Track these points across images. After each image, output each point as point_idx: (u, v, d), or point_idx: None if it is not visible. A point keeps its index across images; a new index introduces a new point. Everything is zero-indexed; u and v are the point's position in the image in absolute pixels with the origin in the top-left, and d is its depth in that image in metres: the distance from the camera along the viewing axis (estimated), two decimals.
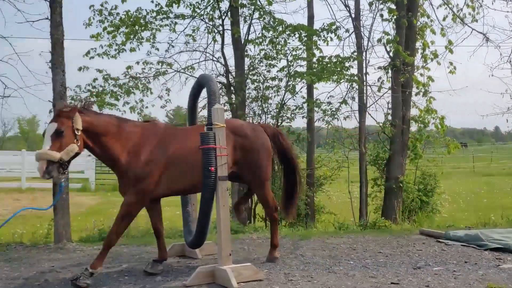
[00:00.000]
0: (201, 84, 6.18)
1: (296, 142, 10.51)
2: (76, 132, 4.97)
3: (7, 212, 12.45)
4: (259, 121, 10.32)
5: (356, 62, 10.35)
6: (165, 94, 10.56)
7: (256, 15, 10.45)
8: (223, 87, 10.32)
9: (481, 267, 5.86)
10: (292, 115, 10.42)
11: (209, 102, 5.53)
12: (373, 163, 11.55)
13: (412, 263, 6.06)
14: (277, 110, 10.34)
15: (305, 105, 10.43)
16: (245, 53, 10.51)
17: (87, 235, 8.09)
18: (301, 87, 10.59)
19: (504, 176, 27.21)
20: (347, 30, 11.01)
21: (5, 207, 13.72)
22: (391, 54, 10.90)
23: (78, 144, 4.98)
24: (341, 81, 10.28)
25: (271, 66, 10.38)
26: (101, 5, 10.14)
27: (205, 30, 10.77)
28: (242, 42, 10.40)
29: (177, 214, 10.35)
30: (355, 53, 10.53)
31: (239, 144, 5.72)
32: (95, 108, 9.65)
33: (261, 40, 10.33)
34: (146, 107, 10.48)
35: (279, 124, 10.39)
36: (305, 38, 10.07)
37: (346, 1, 11.30)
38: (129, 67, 10.23)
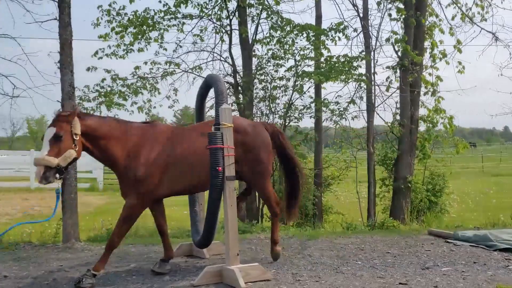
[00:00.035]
0: (208, 84, 6.18)
1: (303, 142, 10.50)
2: (74, 137, 4.97)
3: (16, 212, 12.54)
4: (266, 121, 10.31)
5: (364, 61, 10.33)
6: (172, 94, 10.60)
7: (264, 15, 10.48)
8: (231, 87, 10.32)
9: (490, 267, 5.81)
10: (300, 115, 10.41)
11: (217, 102, 5.53)
12: (381, 163, 11.52)
13: (421, 264, 6.03)
14: (285, 110, 10.33)
15: (312, 105, 10.41)
16: (253, 53, 10.52)
17: (95, 235, 8.12)
18: (309, 87, 10.61)
19: None
20: (355, 30, 10.99)
21: (13, 206, 13.80)
22: (399, 53, 10.85)
23: (76, 149, 4.99)
24: (349, 81, 10.26)
25: (279, 66, 10.38)
26: (109, 5, 10.18)
27: (212, 30, 10.80)
28: (250, 42, 10.40)
29: (184, 213, 10.37)
30: (363, 53, 10.50)
31: (239, 142, 5.66)
32: (102, 108, 9.81)
33: (268, 40, 10.34)
34: (154, 107, 10.52)
35: (286, 124, 10.37)
36: (313, 38, 10.05)
37: (354, 1, 11.26)
38: (137, 67, 10.27)
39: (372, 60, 10.74)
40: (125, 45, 10.27)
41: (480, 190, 19.42)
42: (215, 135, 5.27)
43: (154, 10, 10.21)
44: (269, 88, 10.37)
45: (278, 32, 10.19)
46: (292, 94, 10.33)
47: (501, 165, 35.99)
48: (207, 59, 10.84)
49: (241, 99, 9.92)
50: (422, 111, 11.34)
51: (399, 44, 10.45)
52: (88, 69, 9.97)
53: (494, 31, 11.76)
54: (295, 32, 10.09)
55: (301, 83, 10.25)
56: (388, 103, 11.17)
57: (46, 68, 8.17)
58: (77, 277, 5.27)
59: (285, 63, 10.38)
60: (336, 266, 5.94)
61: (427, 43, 11.57)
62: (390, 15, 11.03)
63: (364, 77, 10.05)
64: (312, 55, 10.21)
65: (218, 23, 10.64)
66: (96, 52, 10.20)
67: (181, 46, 10.74)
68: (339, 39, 10.22)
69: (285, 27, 10.08)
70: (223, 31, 10.64)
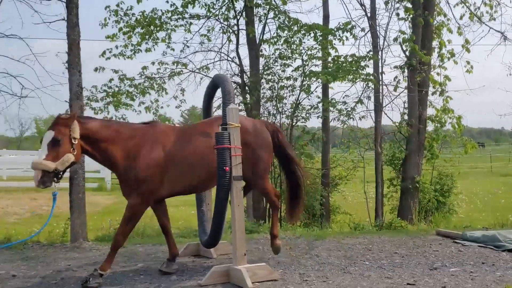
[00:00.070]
0: (215, 84, 6.18)
1: (311, 142, 10.47)
2: (73, 141, 4.96)
3: (24, 212, 12.61)
4: (273, 121, 10.31)
5: (371, 61, 10.31)
6: (180, 94, 10.60)
7: (271, 14, 10.46)
8: (238, 87, 10.32)
9: (498, 268, 5.78)
10: (307, 114, 10.39)
11: (224, 102, 5.52)
12: (389, 163, 11.48)
13: (429, 264, 6.00)
14: (292, 109, 10.31)
15: (320, 105, 10.38)
16: (260, 52, 10.50)
17: (103, 234, 8.14)
18: (316, 87, 10.57)
19: None
20: (362, 29, 10.96)
21: (22, 206, 13.87)
22: (407, 53, 10.81)
23: (75, 153, 4.96)
24: (356, 81, 10.24)
25: (286, 66, 10.35)
26: (117, 5, 10.20)
27: (220, 30, 10.80)
28: (257, 41, 10.40)
29: (192, 213, 10.39)
30: (371, 52, 10.47)
31: (241, 141, 5.64)
32: (110, 108, 9.84)
33: (276, 39, 10.32)
34: (161, 107, 10.53)
35: (294, 124, 10.36)
36: (320, 38, 10.03)
37: (361, 0, 11.24)
38: (144, 68, 10.28)
39: (380, 60, 10.71)
40: (133, 45, 10.29)
41: (489, 190, 19.32)
42: (222, 135, 5.27)
43: (161, 10, 10.24)
44: (276, 88, 10.35)
45: (286, 32, 10.18)
46: (300, 94, 10.32)
47: (510, 165, 35.79)
48: (214, 59, 10.86)
49: (248, 99, 9.92)
50: (430, 111, 11.32)
51: (407, 43, 10.43)
52: (96, 69, 10.01)
53: (502, 31, 11.76)
54: (302, 32, 10.07)
55: (308, 83, 10.23)
56: (396, 103, 11.17)
57: (54, 68, 8.21)
58: (84, 277, 5.29)
59: (292, 63, 10.36)
60: (344, 266, 5.93)
61: (435, 43, 11.54)
62: (398, 14, 11.01)
63: (371, 77, 10.02)
64: (320, 54, 10.19)
65: (225, 23, 10.65)
66: (104, 53, 10.23)
67: (188, 46, 10.76)
68: (347, 38, 10.20)
69: (292, 27, 10.07)
70: (230, 31, 10.64)
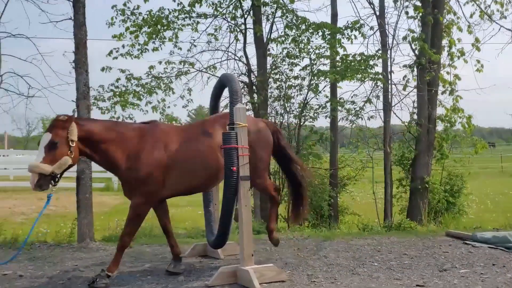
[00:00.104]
0: (223, 83, 6.15)
1: (319, 142, 10.41)
2: (70, 143, 4.90)
3: (31, 212, 12.62)
4: (281, 120, 10.27)
5: (380, 60, 10.23)
6: (187, 93, 10.57)
7: (279, 13, 10.40)
8: (245, 86, 10.27)
9: (509, 270, 5.71)
10: (315, 114, 10.32)
11: (231, 101, 5.48)
12: (398, 163, 11.40)
13: (438, 265, 5.94)
14: (300, 109, 10.25)
15: (328, 104, 10.32)
16: (268, 52, 10.45)
17: (110, 234, 8.13)
18: (324, 86, 10.49)
19: None
20: (371, 28, 10.91)
21: (29, 206, 13.91)
22: (416, 52, 10.74)
23: (72, 156, 4.91)
24: (365, 80, 10.18)
25: (294, 65, 10.30)
26: (124, 4, 10.19)
27: (227, 29, 10.76)
28: (265, 40, 10.35)
29: (199, 214, 10.35)
30: (380, 51, 10.40)
31: None
32: (117, 108, 9.83)
33: (283, 38, 10.26)
34: (168, 106, 10.50)
35: (301, 123, 10.30)
36: (329, 36, 9.97)
37: None
38: (151, 67, 10.26)
39: (389, 59, 10.65)
40: (140, 44, 10.28)
41: (500, 190, 19.15)
42: (230, 134, 5.22)
43: (168, 9, 10.20)
44: (283, 87, 10.29)
45: (293, 30, 10.13)
46: (307, 93, 10.25)
47: None
48: (221, 58, 10.84)
49: (256, 98, 9.87)
50: (439, 111, 11.25)
51: (416, 42, 10.36)
52: (102, 69, 9.99)
53: None
54: (310, 31, 10.01)
55: (316, 82, 10.17)
56: (405, 102, 11.03)
57: (61, 68, 8.21)
58: (91, 277, 5.27)
59: (300, 62, 10.31)
60: (352, 267, 5.88)
61: (444, 41, 11.45)
62: (407, 13, 10.96)
63: (380, 76, 9.95)
64: (328, 53, 10.13)
65: (233, 22, 10.61)
66: (111, 52, 10.22)
67: (195, 46, 10.72)
68: (355, 37, 10.15)
69: (300, 26, 10.01)
70: (238, 30, 10.60)
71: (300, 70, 10.32)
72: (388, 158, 10.61)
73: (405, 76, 11.13)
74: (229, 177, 5.19)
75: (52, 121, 5.06)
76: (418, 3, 10.63)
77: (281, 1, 10.23)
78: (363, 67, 9.69)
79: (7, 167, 24.91)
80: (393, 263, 6.11)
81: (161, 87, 10.28)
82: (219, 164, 5.44)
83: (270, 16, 10.54)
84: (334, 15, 11.17)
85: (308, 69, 10.22)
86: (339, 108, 10.30)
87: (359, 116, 10.39)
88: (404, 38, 10.75)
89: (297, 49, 10.22)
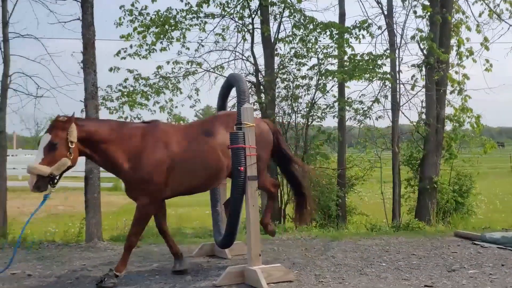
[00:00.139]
0: (230, 83, 6.15)
1: (326, 142, 10.39)
2: (70, 144, 4.88)
3: (40, 211, 12.65)
4: (288, 120, 10.25)
5: (388, 59, 10.18)
6: (194, 93, 10.58)
7: (286, 13, 10.39)
8: (253, 86, 10.27)
9: None
10: (323, 114, 10.29)
11: (239, 101, 5.47)
12: (407, 163, 11.35)
13: (447, 266, 5.92)
14: (307, 109, 10.23)
15: (336, 104, 10.29)
16: (275, 51, 10.44)
17: (118, 234, 8.15)
18: (332, 86, 10.46)
19: None
20: (379, 27, 10.86)
21: (37, 206, 13.91)
22: (425, 51, 10.67)
23: (71, 157, 4.89)
24: (373, 79, 10.14)
25: (301, 65, 10.28)
26: (132, 4, 10.22)
27: (234, 29, 10.76)
28: (272, 40, 10.34)
29: (206, 213, 10.36)
30: (388, 51, 10.36)
31: None
32: (125, 108, 9.86)
33: (291, 38, 10.25)
34: (176, 106, 10.52)
35: (309, 123, 10.28)
36: (337, 36, 9.95)
37: None
38: (159, 67, 10.28)
39: (397, 58, 10.61)
40: (147, 45, 10.29)
41: (509, 190, 19.00)
42: (237, 134, 5.22)
43: (176, 9, 10.22)
44: (291, 87, 10.28)
45: (301, 30, 10.11)
46: (315, 93, 10.22)
47: None
48: (229, 58, 10.82)
49: (263, 98, 9.87)
50: (448, 110, 11.17)
51: (425, 41, 10.30)
52: (110, 69, 10.00)
53: None
54: (318, 30, 9.99)
55: (324, 82, 10.14)
56: (414, 102, 10.98)
57: (69, 68, 8.25)
58: (99, 277, 5.28)
59: (307, 61, 10.29)
60: (360, 267, 5.86)
61: (453, 41, 11.37)
62: (415, 12, 10.88)
63: (388, 76, 9.92)
64: (336, 53, 10.10)
65: (240, 22, 10.61)
66: (119, 52, 10.24)
67: (203, 46, 10.73)
68: (363, 37, 10.13)
69: (308, 25, 10.00)
70: (245, 30, 10.60)
71: (307, 69, 10.31)
72: (396, 158, 10.56)
73: (413, 75, 11.09)
74: (237, 177, 5.18)
75: (51, 122, 5.04)
76: (427, 3, 10.57)
77: (288, 0, 10.22)
78: (371, 67, 9.66)
79: (16, 167, 25.00)
80: (401, 263, 6.08)
81: (169, 87, 10.30)
82: (220, 164, 5.44)
83: (277, 16, 10.53)
84: (342, 15, 11.13)
85: (316, 69, 10.19)
86: (347, 108, 10.27)
87: (367, 116, 10.36)
88: (413, 37, 10.70)
89: (304, 49, 10.20)
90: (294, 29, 10.19)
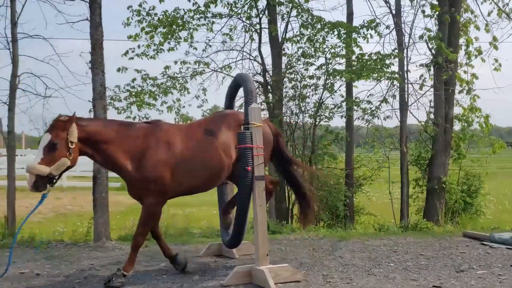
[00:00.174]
0: (237, 83, 6.13)
1: (334, 142, 10.37)
2: (70, 145, 4.86)
3: (48, 211, 12.75)
4: (296, 120, 10.24)
5: (397, 59, 10.17)
6: (201, 93, 10.62)
7: (294, 12, 10.39)
8: (260, 86, 10.27)
9: None
10: (331, 114, 10.29)
11: (246, 101, 5.47)
12: (415, 163, 11.32)
13: (455, 266, 5.87)
14: (315, 109, 10.21)
15: (344, 104, 10.28)
16: (283, 51, 10.43)
17: (126, 234, 8.15)
18: (340, 85, 10.46)
19: None
20: (387, 27, 10.87)
21: (46, 205, 14.00)
22: (433, 51, 10.65)
23: (71, 157, 4.86)
24: (381, 79, 10.12)
25: (309, 65, 10.27)
26: (139, 5, 10.24)
27: (242, 29, 10.78)
28: (280, 40, 10.34)
29: (214, 213, 10.37)
30: (396, 50, 10.36)
31: None
32: (133, 108, 9.89)
33: (299, 38, 10.24)
34: (183, 106, 10.56)
35: (317, 123, 10.26)
36: (344, 35, 9.93)
37: None
38: (167, 67, 10.32)
39: (405, 58, 10.58)
40: (155, 45, 10.32)
41: None
42: (245, 134, 5.21)
43: (183, 9, 10.24)
44: (299, 86, 10.27)
45: (309, 30, 10.10)
46: (323, 92, 10.22)
47: None
48: (236, 58, 10.85)
49: (271, 98, 9.86)
50: (457, 110, 11.16)
51: (433, 41, 10.27)
52: (118, 69, 10.04)
53: None
54: (325, 30, 9.99)
55: (332, 81, 10.14)
56: (422, 102, 10.98)
57: (78, 68, 8.29)
58: (107, 276, 5.29)
59: (315, 61, 10.28)
60: (368, 268, 5.83)
61: (462, 40, 11.35)
62: (423, 11, 10.87)
63: (397, 75, 9.89)
64: (343, 53, 10.09)
65: (248, 21, 10.61)
66: (127, 52, 10.28)
67: (210, 46, 10.77)
68: (371, 36, 10.12)
69: (315, 25, 9.99)
70: (253, 29, 10.60)
71: (315, 69, 10.32)
72: (404, 158, 10.52)
73: (421, 75, 11.08)
74: (244, 177, 5.18)
75: (52, 122, 5.01)
76: (435, 2, 10.56)
77: (296, 0, 10.21)
78: (379, 66, 9.65)
79: (25, 167, 25.16)
80: (410, 263, 6.05)
81: (177, 87, 10.33)
82: (222, 164, 5.42)
83: (285, 15, 10.54)
84: (350, 14, 11.12)
85: (324, 69, 10.19)
86: (355, 107, 10.26)
87: (375, 115, 10.36)
88: (421, 37, 10.69)
89: (312, 49, 10.20)
90: (301, 29, 10.20)
